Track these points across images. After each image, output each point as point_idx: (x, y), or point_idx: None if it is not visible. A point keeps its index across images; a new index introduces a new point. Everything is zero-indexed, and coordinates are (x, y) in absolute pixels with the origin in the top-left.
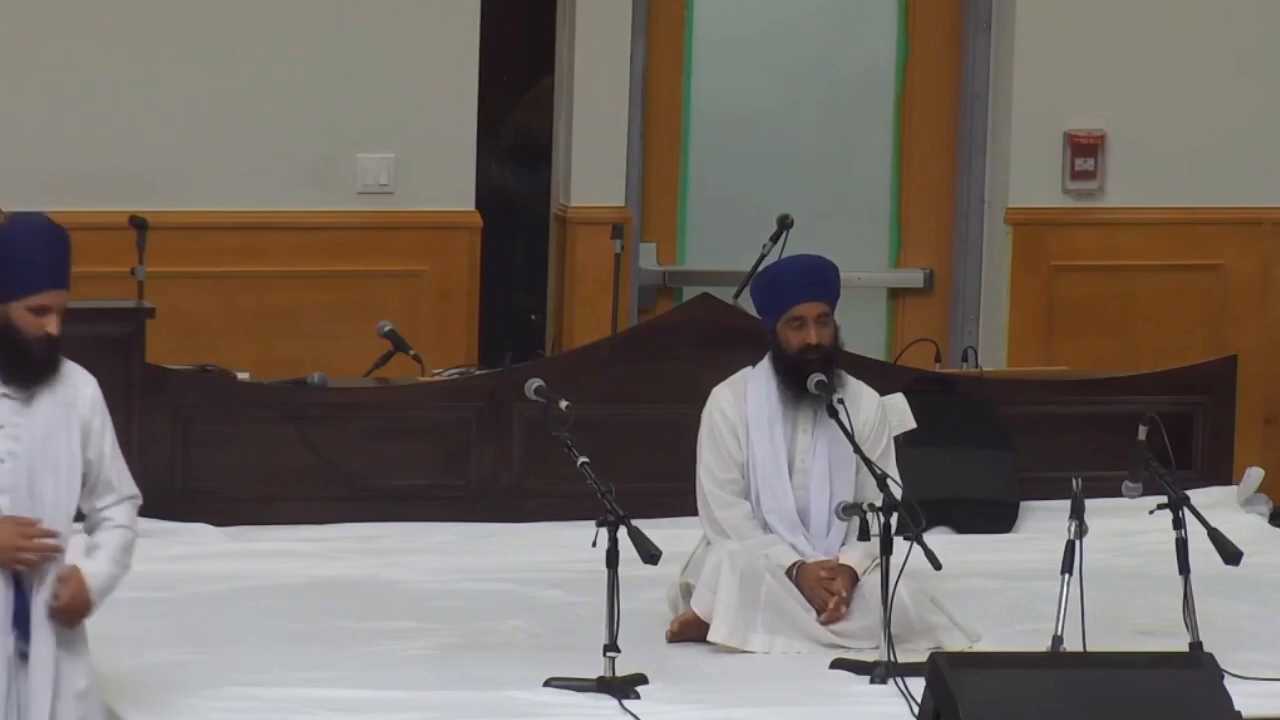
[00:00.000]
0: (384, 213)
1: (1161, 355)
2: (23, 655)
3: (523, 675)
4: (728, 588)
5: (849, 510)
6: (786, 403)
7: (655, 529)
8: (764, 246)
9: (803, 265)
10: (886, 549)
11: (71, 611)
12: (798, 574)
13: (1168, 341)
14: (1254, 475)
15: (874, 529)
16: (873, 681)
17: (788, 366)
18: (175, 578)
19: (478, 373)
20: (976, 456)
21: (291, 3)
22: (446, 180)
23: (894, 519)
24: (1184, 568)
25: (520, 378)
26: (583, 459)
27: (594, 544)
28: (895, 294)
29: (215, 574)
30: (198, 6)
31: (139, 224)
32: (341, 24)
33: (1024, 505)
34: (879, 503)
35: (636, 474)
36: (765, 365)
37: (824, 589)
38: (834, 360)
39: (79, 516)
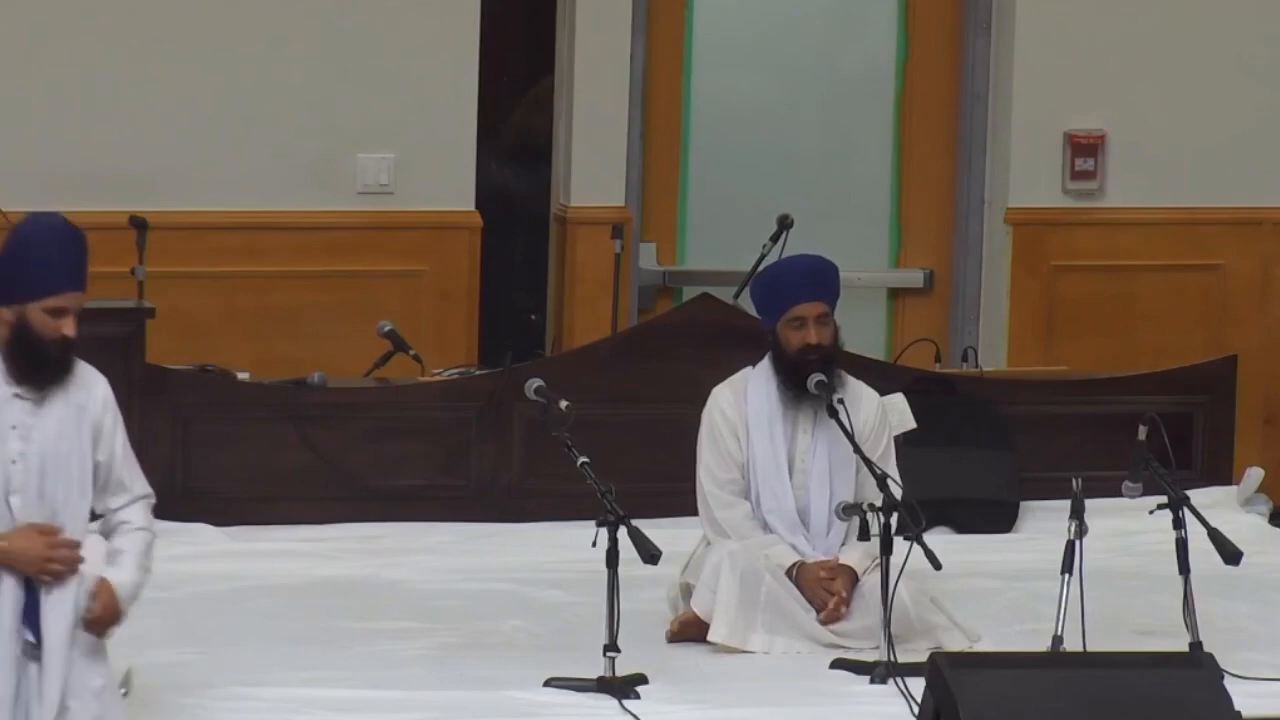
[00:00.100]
0: (384, 213)
1: (1161, 355)
2: (33, 654)
3: (523, 675)
4: (728, 588)
5: (849, 510)
6: (787, 403)
7: (655, 529)
8: (764, 246)
9: (803, 265)
10: (886, 549)
11: (104, 623)
12: (798, 574)
13: (1168, 341)
14: (1254, 475)
15: (874, 529)
16: (873, 681)
17: (788, 366)
18: (175, 578)
19: (478, 373)
20: (976, 456)
21: (291, 3)
22: (446, 180)
23: (894, 519)
24: (1184, 568)
25: (520, 378)
26: (583, 459)
27: (594, 544)
28: (895, 294)
29: (215, 574)
30: (198, 6)
31: (139, 224)
32: (341, 24)
33: (1024, 505)
34: (879, 503)
35: (636, 474)
36: (765, 365)
37: (824, 589)
38: (834, 360)
39: (93, 516)
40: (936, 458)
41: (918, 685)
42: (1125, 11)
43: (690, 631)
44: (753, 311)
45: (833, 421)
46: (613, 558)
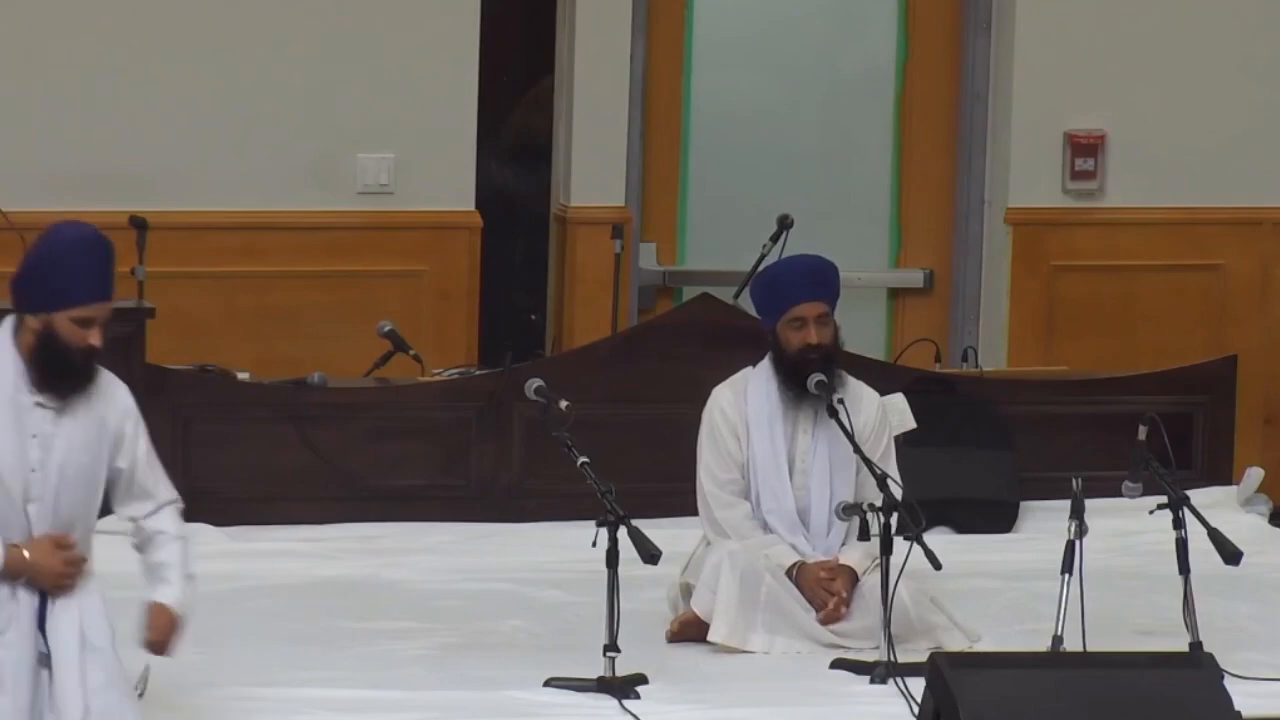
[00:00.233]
0: (384, 213)
1: (1161, 355)
2: (45, 661)
3: (523, 675)
4: (728, 588)
5: (849, 510)
6: (787, 403)
7: (655, 529)
8: (764, 246)
9: (803, 265)
10: (886, 549)
11: (166, 645)
12: (798, 574)
13: (1168, 341)
14: (1254, 475)
15: (874, 529)
16: (873, 681)
17: (788, 367)
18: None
19: (478, 373)
20: (976, 456)
21: (291, 3)
22: (446, 180)
23: (894, 519)
24: (1184, 568)
25: (520, 378)
26: (583, 459)
27: (594, 544)
28: (895, 294)
29: (215, 574)
30: (198, 6)
31: (139, 224)
32: (341, 24)
33: (1024, 505)
34: (879, 503)
35: (636, 474)
36: (765, 365)
37: (824, 589)
38: (834, 360)
39: (103, 513)
40: (936, 458)
41: (918, 685)
42: (1125, 11)
43: (690, 631)
44: (753, 311)
45: (833, 421)
46: (613, 558)
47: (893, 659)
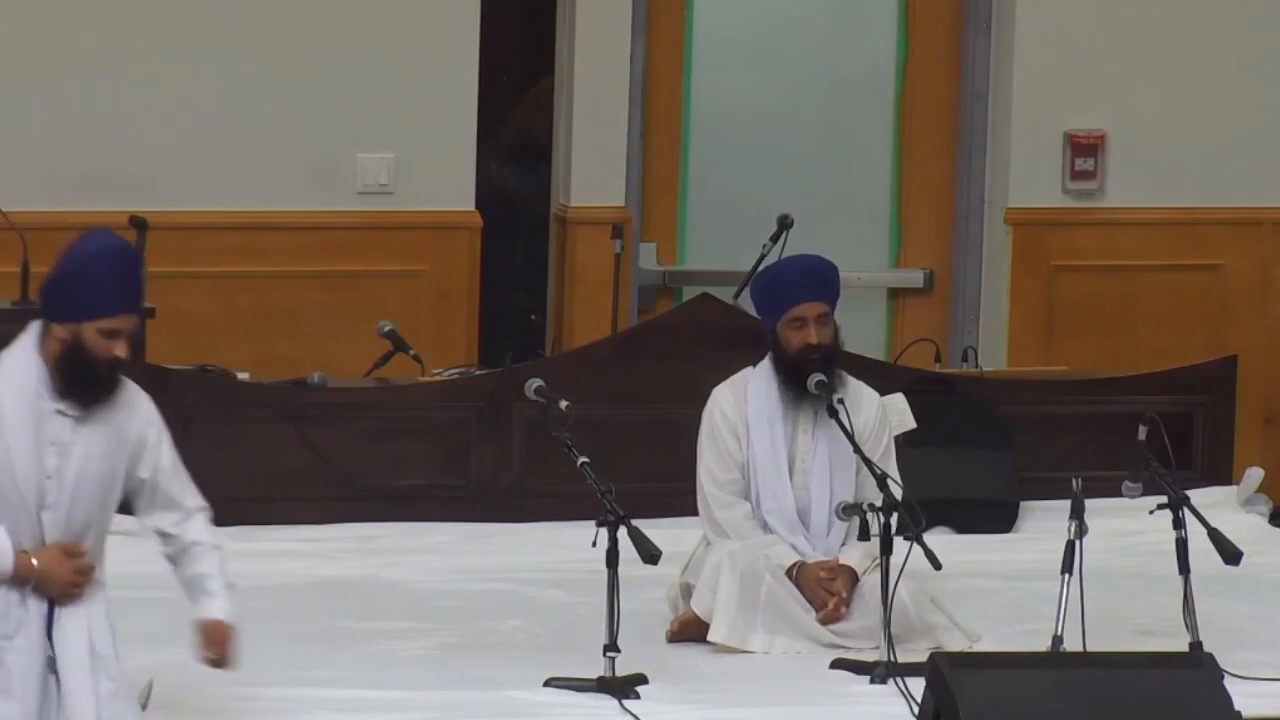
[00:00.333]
0: (384, 213)
1: (1161, 355)
2: (51, 667)
3: (523, 675)
4: (728, 588)
5: (849, 510)
6: (787, 403)
7: (655, 529)
8: (764, 246)
9: (803, 265)
10: (886, 549)
11: (226, 660)
12: (798, 574)
13: (1168, 341)
14: (1254, 475)
15: (874, 529)
16: (873, 681)
17: (788, 367)
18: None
19: (478, 373)
20: (976, 456)
21: (291, 3)
22: (446, 180)
23: (894, 519)
24: (1184, 568)
25: (520, 378)
26: (583, 459)
27: (594, 544)
28: (895, 294)
29: None
30: (198, 6)
31: (139, 224)
32: (341, 24)
33: (1024, 505)
34: (879, 503)
35: (636, 474)
36: (765, 365)
37: (824, 589)
38: (834, 360)
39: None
40: (936, 458)
41: (918, 685)
42: (1125, 11)
43: (690, 631)
44: (753, 311)
45: (833, 421)
46: (613, 558)
47: (893, 659)
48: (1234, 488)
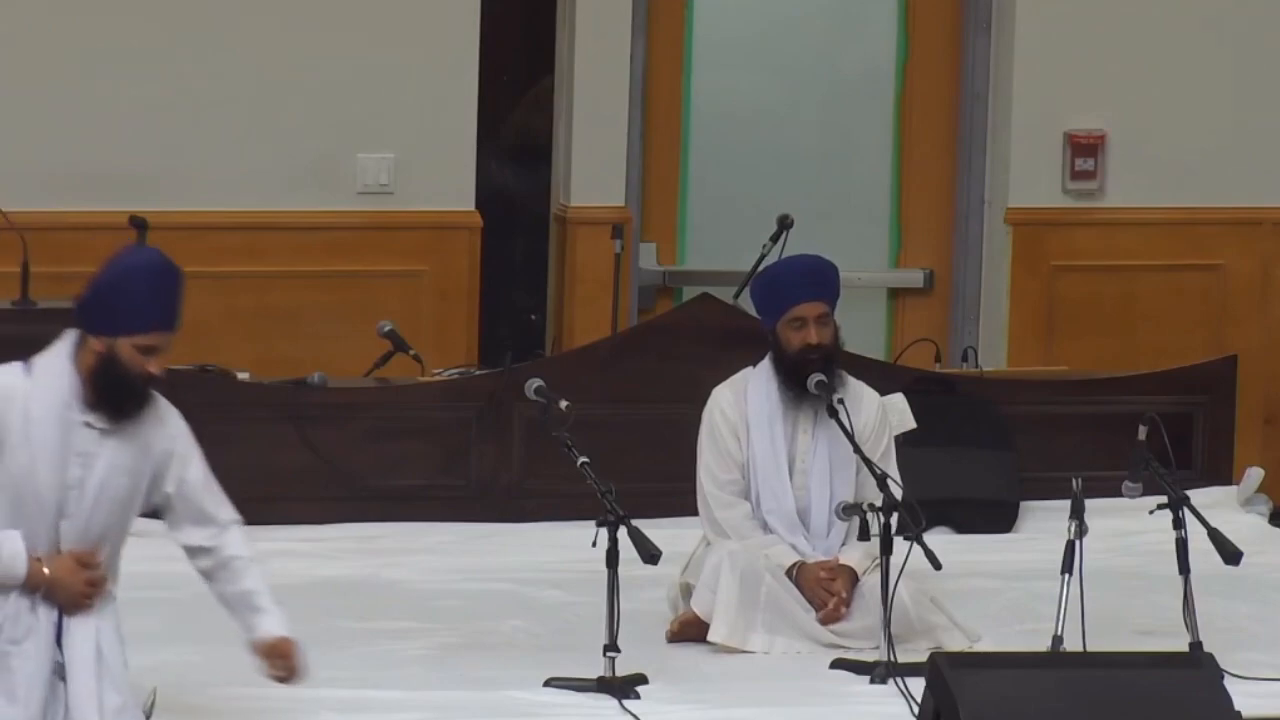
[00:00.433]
0: (384, 213)
1: (1161, 355)
2: (60, 673)
3: (523, 675)
4: (728, 588)
5: (849, 510)
6: (787, 403)
7: (655, 529)
8: (764, 246)
9: (803, 265)
10: (886, 549)
11: (296, 675)
12: (798, 574)
13: (1168, 341)
14: (1254, 475)
15: (874, 529)
16: (873, 681)
17: (788, 367)
18: (175, 578)
19: (478, 373)
20: (976, 456)
21: (292, 3)
22: (446, 180)
23: (894, 519)
24: (1184, 568)
25: (520, 378)
26: (583, 459)
27: (594, 544)
28: (895, 294)
29: None
30: (199, 7)
31: (139, 224)
32: (342, 24)
33: (1024, 505)
34: (879, 503)
35: (636, 474)
36: (765, 365)
37: (824, 589)
38: (834, 360)
39: (151, 514)
40: (936, 458)
41: (918, 685)
42: (1125, 11)
43: (690, 631)
44: (753, 311)
45: (833, 421)
46: (613, 558)
47: (893, 659)
48: (1234, 488)
